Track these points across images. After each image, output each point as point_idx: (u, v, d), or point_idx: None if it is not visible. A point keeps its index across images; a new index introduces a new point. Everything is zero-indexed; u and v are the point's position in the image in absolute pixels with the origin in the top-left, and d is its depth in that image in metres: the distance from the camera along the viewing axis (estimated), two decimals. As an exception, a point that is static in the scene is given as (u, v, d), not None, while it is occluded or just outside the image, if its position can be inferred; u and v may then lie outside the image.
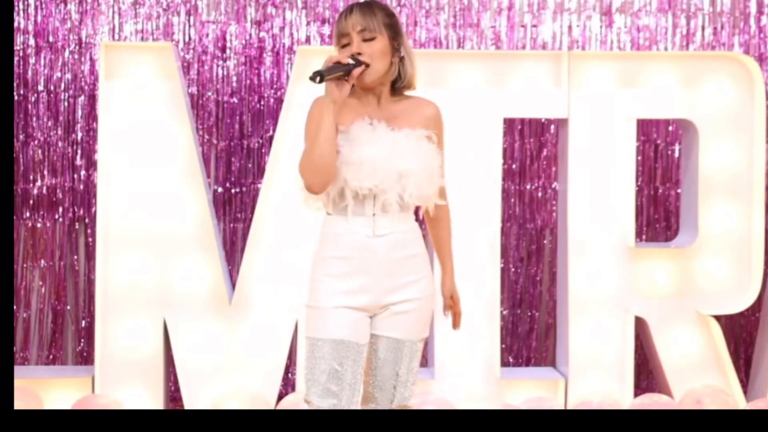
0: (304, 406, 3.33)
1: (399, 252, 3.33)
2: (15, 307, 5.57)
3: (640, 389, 5.53)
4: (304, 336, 3.37)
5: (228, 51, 5.65)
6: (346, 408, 3.29)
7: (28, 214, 5.61)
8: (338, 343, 3.29)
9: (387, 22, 3.33)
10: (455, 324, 3.54)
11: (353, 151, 3.27)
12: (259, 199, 5.05)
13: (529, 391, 5.15)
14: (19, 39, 5.56)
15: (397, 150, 3.29)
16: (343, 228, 3.33)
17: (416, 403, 5.04)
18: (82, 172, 5.61)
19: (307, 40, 5.64)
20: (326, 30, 5.63)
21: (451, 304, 3.52)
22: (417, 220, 3.45)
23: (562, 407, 5.12)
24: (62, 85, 5.60)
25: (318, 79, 3.16)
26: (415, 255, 3.37)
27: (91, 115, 5.57)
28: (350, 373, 3.29)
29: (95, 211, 5.29)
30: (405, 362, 3.38)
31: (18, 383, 4.85)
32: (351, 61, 3.24)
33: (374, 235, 3.32)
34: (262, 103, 5.66)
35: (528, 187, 5.78)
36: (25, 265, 5.63)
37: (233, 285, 5.09)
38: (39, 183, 5.61)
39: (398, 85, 3.38)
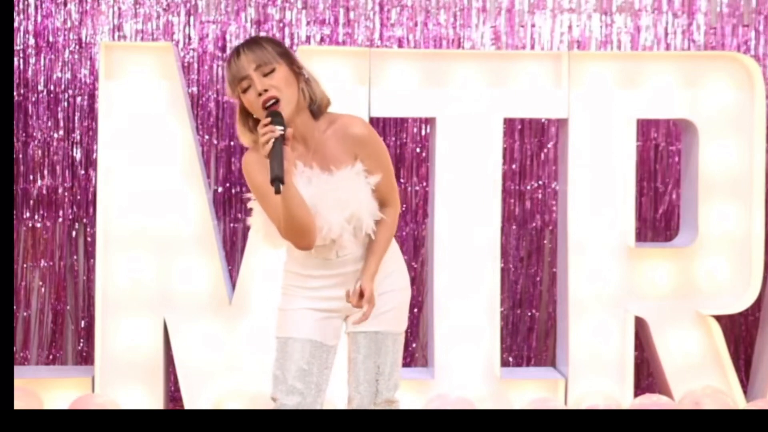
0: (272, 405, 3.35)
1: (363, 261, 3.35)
2: (15, 307, 5.57)
3: (640, 389, 5.53)
4: (275, 337, 3.38)
5: (228, 51, 5.64)
6: (310, 407, 3.31)
7: (28, 214, 5.61)
8: (307, 343, 3.32)
9: (279, 51, 3.24)
10: (356, 321, 3.29)
11: None
12: (259, 199, 5.04)
13: (529, 391, 5.14)
14: (19, 39, 5.56)
15: (339, 196, 3.26)
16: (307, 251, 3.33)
17: (416, 403, 5.04)
18: (82, 172, 5.61)
19: (307, 40, 5.64)
20: (326, 30, 5.63)
21: (358, 301, 3.26)
22: None
23: (562, 407, 5.12)
24: (62, 85, 5.60)
25: (282, 185, 3.08)
26: (385, 258, 3.37)
27: (91, 115, 5.57)
28: (317, 372, 3.33)
29: (95, 211, 5.29)
30: (388, 355, 3.38)
31: (18, 383, 4.85)
32: (278, 129, 3.12)
33: (337, 257, 3.33)
34: (262, 103, 5.65)
35: (528, 187, 5.77)
36: (25, 265, 5.62)
37: (233, 285, 5.09)
38: (39, 183, 5.60)
39: (314, 108, 3.29)
